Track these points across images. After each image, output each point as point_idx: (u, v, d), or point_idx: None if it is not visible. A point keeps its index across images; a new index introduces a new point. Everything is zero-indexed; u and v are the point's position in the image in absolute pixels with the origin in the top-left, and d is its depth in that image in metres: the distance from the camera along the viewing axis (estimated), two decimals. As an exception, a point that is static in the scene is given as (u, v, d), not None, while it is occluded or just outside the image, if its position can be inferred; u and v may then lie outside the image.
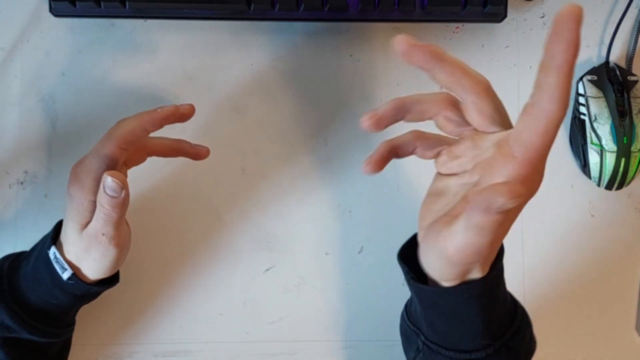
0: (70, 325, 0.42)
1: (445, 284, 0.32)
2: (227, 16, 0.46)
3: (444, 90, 0.31)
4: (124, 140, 0.36)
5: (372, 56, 0.49)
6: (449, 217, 0.30)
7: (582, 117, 0.47)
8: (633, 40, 0.49)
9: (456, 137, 0.32)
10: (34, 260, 0.38)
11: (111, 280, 0.41)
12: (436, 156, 0.34)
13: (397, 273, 0.48)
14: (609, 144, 0.46)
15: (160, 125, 0.38)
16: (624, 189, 0.48)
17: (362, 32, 0.49)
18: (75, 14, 0.45)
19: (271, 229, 0.48)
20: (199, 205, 0.48)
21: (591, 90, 0.47)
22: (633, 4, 0.49)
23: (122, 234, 0.37)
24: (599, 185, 0.48)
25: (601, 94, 0.47)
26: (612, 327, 0.49)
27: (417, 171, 0.48)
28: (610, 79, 0.47)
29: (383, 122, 0.31)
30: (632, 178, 0.47)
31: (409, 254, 0.35)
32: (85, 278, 0.38)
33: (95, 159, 0.36)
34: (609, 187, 0.47)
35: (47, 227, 0.40)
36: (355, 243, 0.48)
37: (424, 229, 0.32)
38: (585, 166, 0.48)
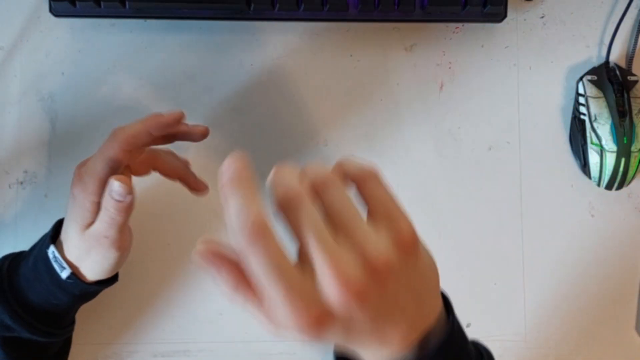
0: (70, 324, 0.42)
1: None
2: (227, 16, 0.46)
3: None
4: (127, 143, 0.36)
5: (372, 56, 0.49)
6: None
7: (582, 117, 0.47)
8: (633, 40, 0.49)
9: None
10: (34, 260, 0.38)
11: (110, 279, 0.41)
12: None
13: (397, 273, 0.48)
14: (609, 144, 0.46)
15: (164, 129, 0.37)
16: (624, 189, 0.48)
17: (362, 32, 0.49)
18: (75, 14, 0.45)
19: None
20: (199, 205, 0.48)
21: (591, 90, 0.47)
22: (633, 4, 0.49)
23: (124, 238, 0.38)
24: (599, 185, 0.48)
25: (601, 94, 0.47)
26: (612, 327, 0.49)
27: (417, 171, 0.48)
28: (610, 79, 0.47)
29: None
30: (632, 178, 0.47)
31: None
32: (84, 278, 0.38)
33: (99, 161, 0.36)
34: (609, 187, 0.47)
35: (47, 227, 0.40)
36: (355, 243, 0.48)
37: None
38: (585, 166, 0.48)
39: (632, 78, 0.47)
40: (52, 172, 0.47)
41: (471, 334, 0.31)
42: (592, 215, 0.49)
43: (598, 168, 0.47)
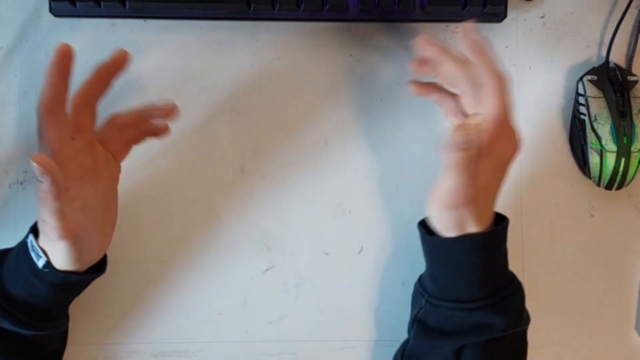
0: (58, 319, 0.40)
1: (449, 234, 0.37)
2: (227, 16, 0.46)
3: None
4: (77, 102, 0.37)
5: (372, 56, 0.49)
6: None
7: (582, 117, 0.47)
8: (633, 40, 0.49)
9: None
10: (16, 250, 0.38)
11: (95, 269, 0.40)
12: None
13: (397, 273, 0.48)
14: (609, 144, 0.46)
15: (104, 77, 0.38)
16: (624, 189, 0.48)
17: (362, 32, 0.49)
18: (75, 14, 0.45)
19: (271, 228, 0.48)
20: (199, 205, 0.48)
21: (591, 90, 0.47)
22: (633, 4, 0.49)
23: (69, 226, 0.34)
24: (599, 185, 0.48)
25: (601, 94, 0.47)
26: (612, 327, 0.49)
27: (417, 171, 0.48)
28: (610, 79, 0.47)
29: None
30: (632, 178, 0.47)
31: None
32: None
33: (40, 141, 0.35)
34: (609, 187, 0.47)
35: (46, 227, 0.40)
36: (355, 243, 0.48)
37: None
38: (585, 166, 0.48)
39: (632, 78, 0.47)
40: (52, 172, 0.47)
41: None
42: (592, 215, 0.49)
43: (598, 168, 0.47)
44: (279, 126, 0.48)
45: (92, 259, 0.39)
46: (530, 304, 0.40)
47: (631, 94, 0.47)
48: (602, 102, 0.46)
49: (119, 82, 0.47)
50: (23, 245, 0.38)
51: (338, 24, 0.49)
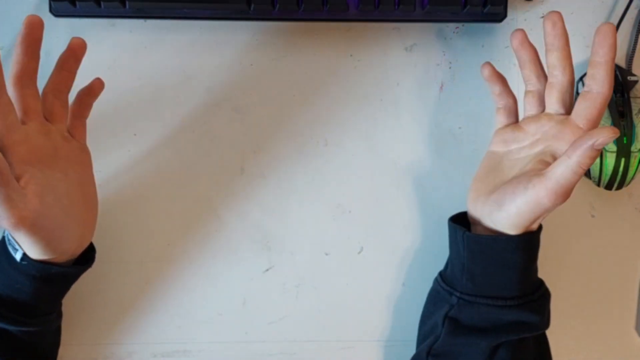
0: (45, 315, 0.39)
1: (511, 232, 0.38)
2: (227, 16, 0.46)
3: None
4: (15, 84, 0.36)
5: (372, 56, 0.49)
6: (526, 176, 0.37)
7: (582, 117, 0.47)
8: (633, 40, 0.49)
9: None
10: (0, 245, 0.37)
11: (81, 261, 0.40)
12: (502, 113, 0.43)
13: (397, 273, 0.48)
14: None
15: (28, 44, 0.36)
16: (624, 189, 0.48)
17: (362, 32, 0.49)
18: (75, 14, 0.45)
19: (271, 229, 0.48)
20: (199, 205, 0.48)
21: (591, 90, 0.47)
22: (633, 4, 0.49)
23: (21, 214, 0.32)
24: (599, 185, 0.48)
25: (601, 94, 0.47)
26: (612, 327, 0.49)
27: (416, 171, 0.48)
28: (610, 79, 0.47)
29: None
30: (632, 178, 0.47)
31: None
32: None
33: None
34: (609, 187, 0.47)
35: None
36: (355, 243, 0.48)
37: (487, 195, 0.40)
38: (585, 166, 0.48)
39: (632, 78, 0.47)
40: (52, 172, 0.47)
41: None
42: (593, 216, 0.49)
43: (598, 168, 0.47)
44: (279, 126, 0.48)
45: (70, 247, 0.38)
46: (530, 304, 0.40)
47: (631, 94, 0.47)
48: (602, 102, 0.46)
49: (119, 83, 0.48)
50: (2, 240, 0.37)
51: (338, 24, 0.49)
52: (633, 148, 0.46)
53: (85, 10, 0.45)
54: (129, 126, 0.48)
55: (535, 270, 0.41)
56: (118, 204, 0.47)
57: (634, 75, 0.48)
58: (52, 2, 0.44)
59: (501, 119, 0.43)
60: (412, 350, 0.44)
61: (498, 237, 0.38)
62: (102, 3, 0.44)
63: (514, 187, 0.37)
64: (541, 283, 0.41)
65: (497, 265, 0.39)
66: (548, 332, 0.41)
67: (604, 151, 0.46)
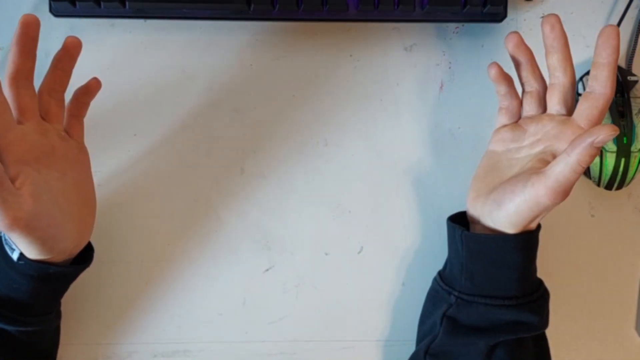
0: (44, 314, 0.39)
1: (510, 230, 0.38)
2: (227, 16, 0.46)
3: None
4: (11, 84, 0.35)
5: (372, 56, 0.49)
6: (525, 175, 0.37)
7: (582, 117, 0.47)
8: (633, 40, 0.49)
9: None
10: None
11: (79, 260, 0.40)
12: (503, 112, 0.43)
13: (397, 273, 0.48)
14: (608, 143, 0.46)
15: (24, 43, 0.36)
16: (624, 189, 0.48)
17: (362, 32, 0.49)
18: (75, 14, 0.45)
19: (271, 229, 0.48)
20: (199, 205, 0.48)
21: (591, 90, 0.47)
22: (633, 4, 0.49)
23: (16, 215, 0.32)
24: (599, 185, 0.48)
25: (601, 94, 0.47)
26: (612, 327, 0.49)
27: (416, 171, 0.48)
28: (610, 79, 0.47)
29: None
30: (632, 178, 0.47)
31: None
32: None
33: None
34: (609, 187, 0.47)
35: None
36: (355, 243, 0.48)
37: (487, 194, 0.40)
38: (585, 166, 0.48)
39: (632, 78, 0.47)
40: (52, 172, 0.47)
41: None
42: (592, 216, 0.49)
43: (598, 168, 0.47)
44: (279, 126, 0.48)
45: (68, 247, 0.37)
46: (530, 304, 0.40)
47: (631, 94, 0.47)
48: (602, 102, 0.46)
49: (119, 83, 0.48)
50: (1, 240, 0.37)
51: (338, 24, 0.49)
52: (633, 148, 0.46)
53: (85, 10, 0.45)
54: (128, 126, 0.48)
55: (535, 270, 0.41)
56: (118, 204, 0.47)
57: (634, 75, 0.48)
58: (52, 2, 0.44)
59: (502, 120, 0.43)
60: (412, 350, 0.44)
61: (497, 236, 0.38)
62: (102, 3, 0.44)
63: (513, 186, 0.37)
64: (540, 283, 0.41)
65: (496, 264, 0.39)
66: (548, 332, 0.41)
67: (604, 151, 0.46)
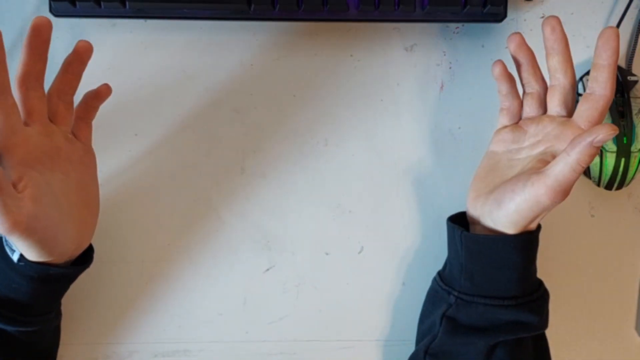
0: (43, 314, 0.39)
1: (510, 231, 0.38)
2: (227, 16, 0.46)
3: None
4: (20, 85, 0.36)
5: (372, 56, 0.49)
6: (525, 175, 0.37)
7: (582, 117, 0.47)
8: (633, 40, 0.49)
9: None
10: None
11: (79, 261, 0.40)
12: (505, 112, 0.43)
13: (397, 273, 0.48)
14: (608, 144, 0.46)
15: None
16: (624, 189, 0.48)
17: (362, 32, 0.49)
18: (75, 14, 0.45)
19: (271, 228, 0.48)
20: (199, 205, 0.48)
21: (591, 90, 0.47)
22: (633, 4, 0.49)
23: (16, 219, 0.32)
24: (599, 185, 0.48)
25: (601, 94, 0.47)
26: (612, 327, 0.49)
27: (416, 171, 0.48)
28: (610, 79, 0.47)
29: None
30: (632, 178, 0.47)
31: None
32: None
33: None
34: (609, 187, 0.47)
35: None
36: (355, 243, 0.48)
37: (487, 194, 0.40)
38: (585, 166, 0.48)
39: (632, 78, 0.47)
40: (52, 172, 0.47)
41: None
42: (592, 216, 0.49)
43: (598, 168, 0.47)
44: (279, 126, 0.48)
45: (69, 249, 0.37)
46: (530, 304, 0.40)
47: (631, 94, 0.47)
48: (602, 102, 0.46)
49: (119, 83, 0.48)
50: (1, 241, 0.37)
51: (338, 24, 0.49)
52: (633, 148, 0.46)
53: (85, 10, 0.45)
54: (129, 126, 0.48)
55: (534, 270, 0.41)
56: (118, 203, 0.47)
57: (634, 75, 0.48)
58: (52, 2, 0.44)
59: (503, 120, 0.43)
60: (412, 350, 0.44)
61: (497, 236, 0.38)
62: (102, 3, 0.44)
63: (514, 185, 0.37)
64: (540, 283, 0.41)
65: (496, 265, 0.39)
66: (548, 332, 0.41)
67: (604, 151, 0.46)
